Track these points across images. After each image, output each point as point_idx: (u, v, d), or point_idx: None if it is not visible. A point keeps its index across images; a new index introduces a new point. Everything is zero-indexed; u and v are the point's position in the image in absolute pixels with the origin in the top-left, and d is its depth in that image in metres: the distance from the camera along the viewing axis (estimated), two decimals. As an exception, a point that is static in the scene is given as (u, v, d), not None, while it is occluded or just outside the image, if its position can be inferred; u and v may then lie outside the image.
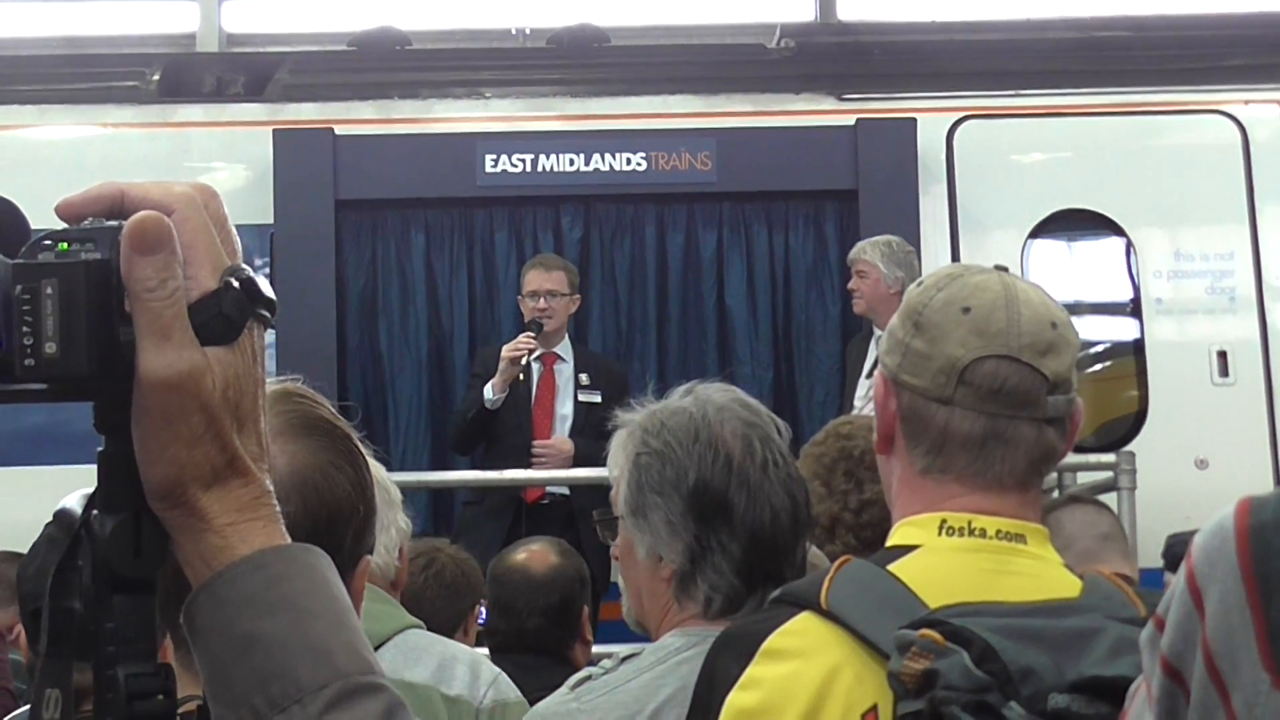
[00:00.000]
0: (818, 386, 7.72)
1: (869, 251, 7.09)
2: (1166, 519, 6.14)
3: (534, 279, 7.22)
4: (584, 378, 7.22)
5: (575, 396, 7.20)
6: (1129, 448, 7.28)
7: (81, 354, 1.07)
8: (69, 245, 1.08)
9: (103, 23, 11.68)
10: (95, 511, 1.12)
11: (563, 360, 7.29)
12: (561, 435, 7.14)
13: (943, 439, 2.09)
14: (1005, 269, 2.19)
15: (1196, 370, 7.68)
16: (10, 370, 1.07)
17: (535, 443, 7.05)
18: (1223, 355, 7.68)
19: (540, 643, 4.04)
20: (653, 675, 2.50)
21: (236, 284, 1.11)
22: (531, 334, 7.07)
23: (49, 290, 1.06)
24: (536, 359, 7.20)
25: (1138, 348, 7.87)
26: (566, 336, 7.33)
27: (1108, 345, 8.11)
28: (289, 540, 1.14)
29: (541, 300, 7.15)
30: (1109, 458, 6.94)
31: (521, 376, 7.09)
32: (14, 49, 10.51)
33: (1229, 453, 7.38)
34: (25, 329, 1.06)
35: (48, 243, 1.09)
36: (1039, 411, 2.08)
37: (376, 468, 3.21)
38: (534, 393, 7.21)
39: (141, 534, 1.12)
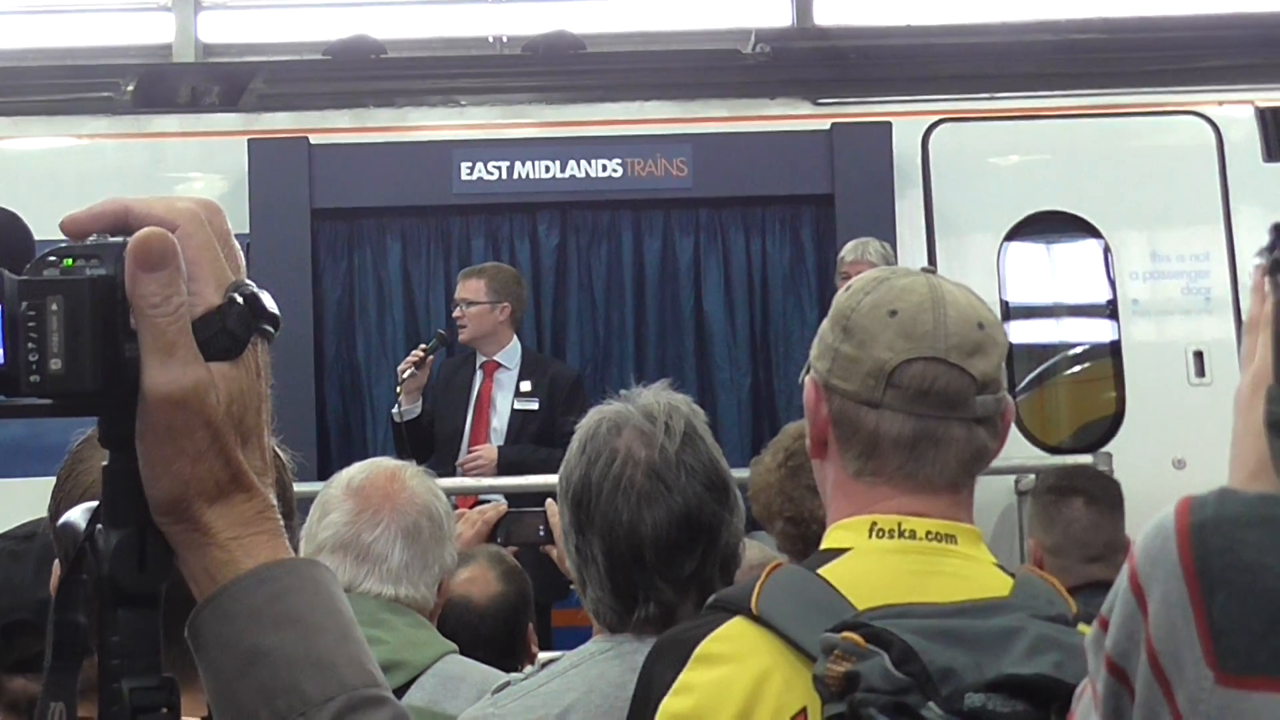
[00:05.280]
0: (796, 392, 7.66)
1: (871, 254, 6.96)
2: (1144, 520, 6.12)
3: (458, 289, 7.28)
4: (525, 385, 7.20)
5: (513, 405, 7.19)
6: (1106, 449, 7.30)
7: (86, 370, 1.08)
8: (74, 261, 1.09)
9: (78, 33, 11.66)
10: (99, 526, 1.13)
11: (505, 368, 7.26)
12: (496, 444, 7.15)
13: (874, 442, 2.10)
14: (932, 271, 2.21)
15: (1173, 371, 7.69)
16: (16, 386, 1.08)
17: (471, 450, 7.09)
18: (1199, 356, 7.69)
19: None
20: (563, 680, 2.52)
21: (240, 299, 1.12)
22: (424, 346, 7.15)
23: (54, 307, 1.07)
24: (480, 367, 7.23)
25: (1114, 349, 7.87)
26: (514, 342, 7.29)
27: (1085, 347, 8.12)
28: (293, 554, 1.15)
29: (457, 309, 7.20)
30: (1086, 459, 6.95)
31: (398, 394, 7.07)
32: (-12, 61, 10.48)
33: (1206, 453, 7.37)
34: (31, 345, 1.07)
35: (53, 259, 1.09)
36: (968, 412, 2.09)
37: (439, 498, 3.16)
38: (473, 402, 7.22)
39: (146, 549, 1.12)
